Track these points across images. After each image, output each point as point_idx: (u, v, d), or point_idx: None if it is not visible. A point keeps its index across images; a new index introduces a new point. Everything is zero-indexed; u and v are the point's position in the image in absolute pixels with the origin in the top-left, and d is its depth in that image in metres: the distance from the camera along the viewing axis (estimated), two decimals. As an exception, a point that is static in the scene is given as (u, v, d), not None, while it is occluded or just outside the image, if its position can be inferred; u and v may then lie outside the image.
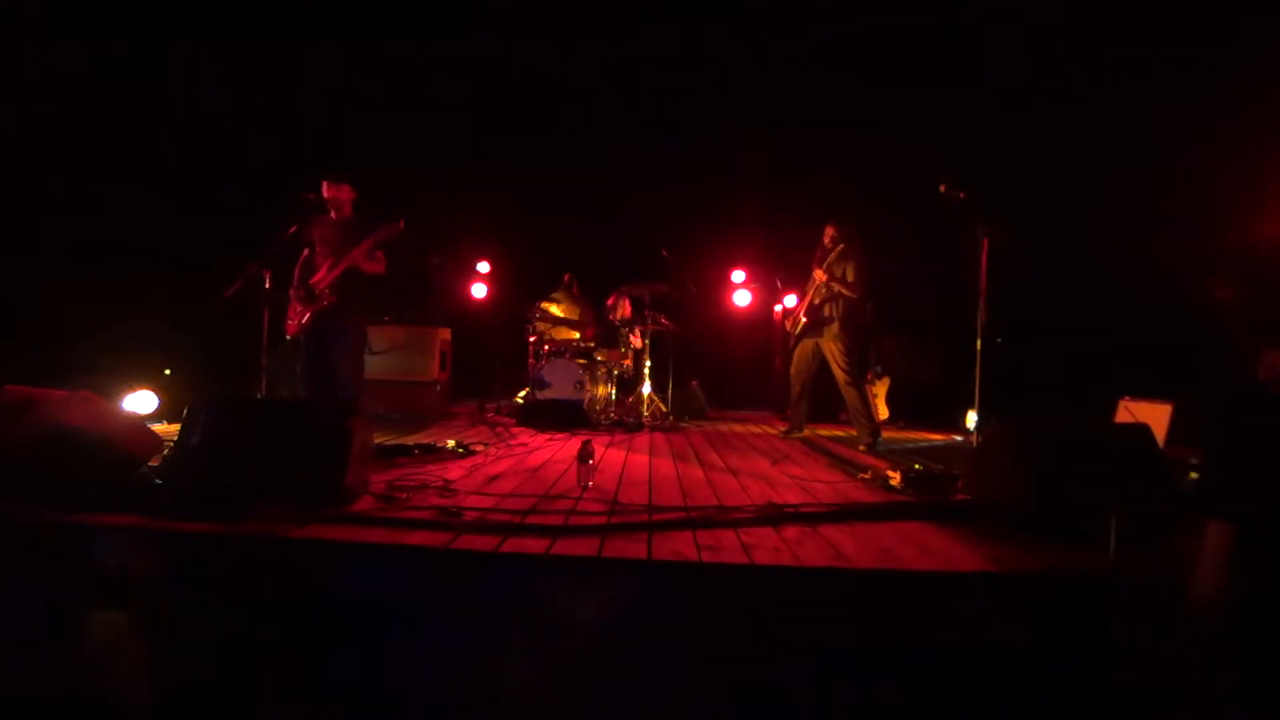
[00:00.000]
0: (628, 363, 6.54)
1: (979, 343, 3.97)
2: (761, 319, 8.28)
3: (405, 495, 2.97)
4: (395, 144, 7.02)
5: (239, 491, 2.65)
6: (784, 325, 5.98)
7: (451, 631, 2.21)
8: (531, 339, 6.74)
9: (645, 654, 2.16)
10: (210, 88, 6.20)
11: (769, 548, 2.39)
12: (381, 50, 6.98)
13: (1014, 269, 4.10)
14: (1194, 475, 3.76)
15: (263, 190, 4.96)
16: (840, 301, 5.12)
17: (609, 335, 6.60)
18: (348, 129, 6.89)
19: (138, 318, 5.66)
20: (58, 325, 5.58)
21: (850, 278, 5.05)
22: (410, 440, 4.71)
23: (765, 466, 4.12)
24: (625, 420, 6.15)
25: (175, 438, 3.00)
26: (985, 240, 3.95)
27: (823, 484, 3.59)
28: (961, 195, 4.00)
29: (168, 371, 5.70)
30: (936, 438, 5.86)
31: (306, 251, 4.44)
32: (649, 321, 6.45)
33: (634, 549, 2.33)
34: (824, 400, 5.85)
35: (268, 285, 4.10)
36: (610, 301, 6.72)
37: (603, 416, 6.06)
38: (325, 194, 4.36)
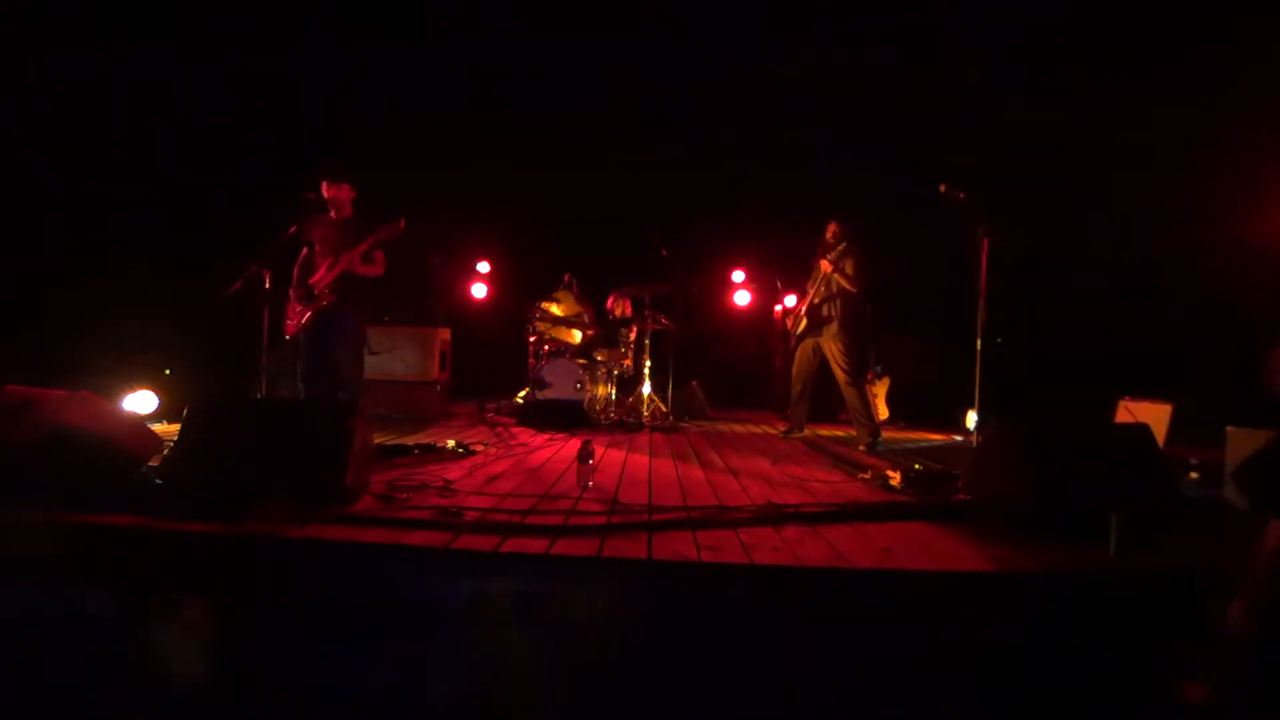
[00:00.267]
0: (628, 363, 6.54)
1: (979, 343, 3.96)
2: (761, 319, 8.28)
3: (405, 495, 2.97)
4: (395, 144, 7.03)
5: (239, 491, 2.64)
6: (784, 325, 5.98)
7: (451, 632, 2.21)
8: (531, 339, 6.74)
9: (645, 654, 2.16)
10: (210, 87, 6.20)
11: (769, 548, 2.39)
12: (382, 49, 6.97)
13: (1014, 269, 4.10)
14: (1194, 475, 3.76)
15: (263, 190, 4.96)
16: (840, 301, 5.12)
17: (609, 335, 6.60)
18: (348, 128, 6.89)
19: (138, 318, 5.66)
20: (58, 325, 5.58)
21: (850, 272, 5.06)
22: (410, 440, 4.71)
23: (765, 466, 4.12)
24: (625, 420, 6.15)
25: (175, 438, 3.00)
26: (985, 240, 3.95)
27: (823, 484, 3.59)
28: (961, 195, 4.00)
29: (168, 371, 5.70)
30: (936, 438, 5.86)
31: (306, 250, 4.44)
32: (649, 321, 6.45)
33: (634, 549, 2.33)
34: (824, 400, 5.85)
35: (268, 285, 4.10)
36: (610, 301, 6.72)
37: (603, 416, 6.06)
38: (325, 194, 4.35)
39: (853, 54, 6.94)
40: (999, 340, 4.07)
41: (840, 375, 5.13)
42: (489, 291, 8.68)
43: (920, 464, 4.11)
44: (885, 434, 5.46)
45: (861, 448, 4.95)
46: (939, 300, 6.45)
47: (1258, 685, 1.80)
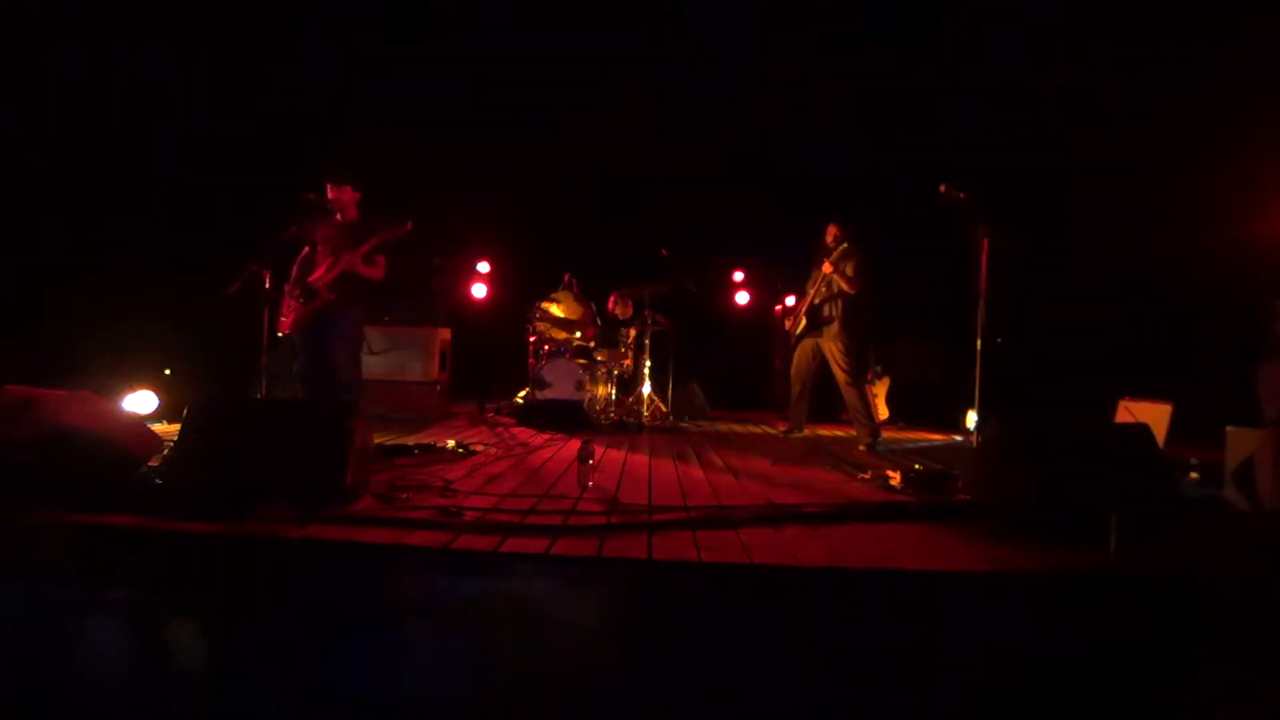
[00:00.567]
0: (628, 363, 6.54)
1: (979, 343, 3.97)
2: (761, 319, 8.28)
3: (405, 495, 2.97)
4: (396, 143, 7.02)
5: (239, 491, 2.64)
6: (784, 325, 5.98)
7: (451, 632, 2.21)
8: (531, 339, 6.74)
9: (645, 654, 2.16)
10: (210, 87, 6.20)
11: (769, 548, 2.39)
12: (382, 49, 6.97)
13: (1014, 269, 4.10)
14: (1194, 475, 3.76)
15: (263, 190, 4.96)
16: (840, 301, 5.12)
17: (609, 335, 6.60)
18: (348, 128, 6.89)
19: (138, 318, 5.65)
20: (58, 325, 5.58)
21: (850, 273, 5.06)
22: (410, 440, 4.71)
23: (765, 466, 4.12)
24: (625, 420, 6.15)
25: (175, 438, 3.00)
26: (985, 240, 3.95)
27: (823, 484, 3.59)
28: (961, 195, 4.00)
29: (168, 371, 5.70)
30: (936, 438, 5.86)
31: (306, 249, 4.43)
32: (649, 321, 6.45)
33: (634, 549, 2.33)
34: (824, 400, 5.85)
35: (268, 285, 4.10)
36: (610, 302, 6.72)
37: (603, 416, 6.06)
38: (329, 195, 4.34)
39: (852, 53, 6.94)
40: (999, 340, 4.07)
41: (840, 375, 5.13)
42: (489, 291, 8.67)
43: (920, 464, 4.11)
44: (885, 434, 5.46)
45: (861, 448, 4.95)
46: (939, 300, 6.46)
47: None
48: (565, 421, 5.68)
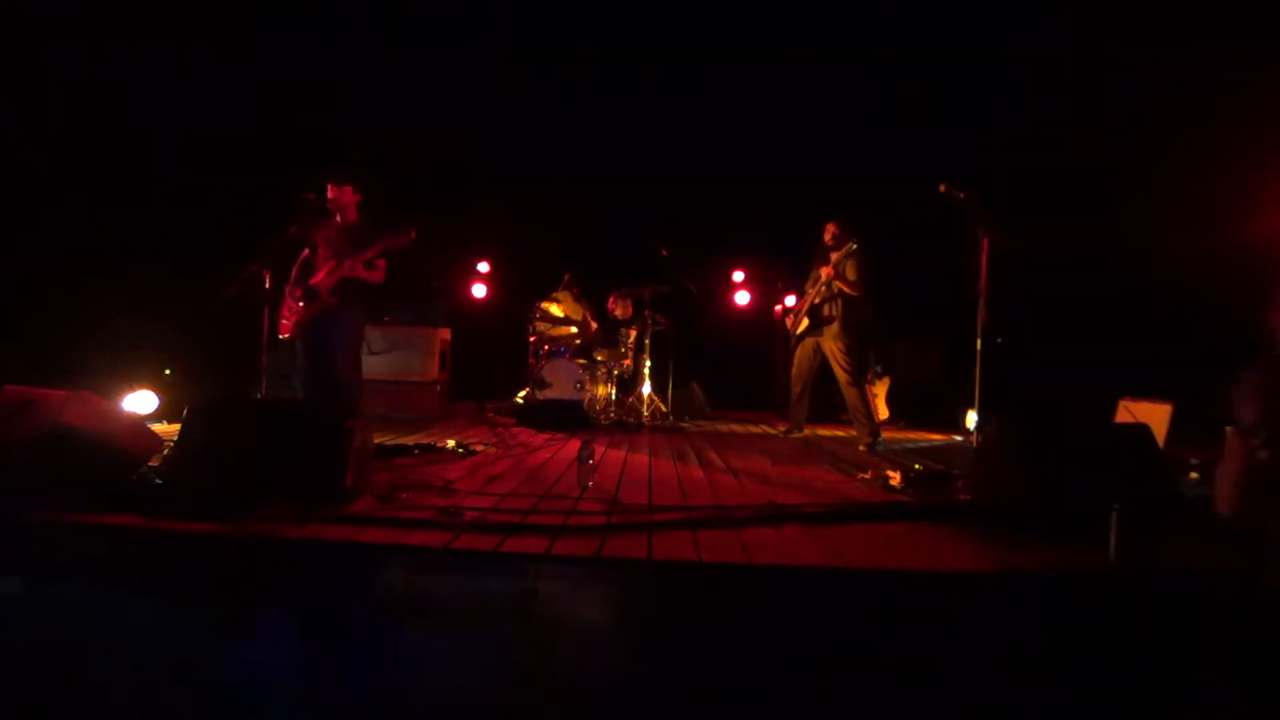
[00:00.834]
0: (628, 363, 6.54)
1: (979, 343, 3.96)
2: (761, 319, 8.28)
3: (405, 495, 2.97)
4: (396, 143, 7.02)
5: (239, 491, 2.64)
6: (784, 325, 5.98)
7: (451, 631, 2.21)
8: (531, 339, 6.74)
9: (645, 654, 2.16)
10: (211, 87, 6.20)
11: (769, 548, 2.39)
12: (383, 49, 6.97)
13: (1014, 269, 4.10)
14: (1194, 475, 3.76)
15: (263, 190, 4.96)
16: (841, 301, 5.12)
17: (609, 335, 6.60)
18: (349, 128, 6.89)
19: (138, 318, 5.66)
20: (58, 325, 5.58)
21: (851, 276, 5.06)
22: (410, 440, 4.71)
23: (765, 466, 4.12)
24: (625, 420, 6.15)
25: (175, 438, 3.00)
26: (985, 240, 3.95)
27: (823, 484, 3.59)
28: (961, 195, 4.00)
29: (168, 371, 5.70)
30: (936, 438, 5.86)
31: (307, 251, 4.42)
32: (649, 321, 6.45)
33: (634, 549, 2.33)
34: (824, 400, 5.85)
35: (268, 285, 4.09)
36: (610, 302, 6.72)
37: (603, 416, 6.06)
38: (329, 195, 4.33)
39: (852, 53, 6.94)
40: (999, 340, 4.06)
41: (841, 375, 5.13)
42: (489, 291, 8.68)
43: (920, 464, 4.11)
44: (885, 434, 5.47)
45: (861, 448, 4.95)
46: (939, 300, 6.45)
47: None
48: (565, 421, 5.69)
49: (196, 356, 5.85)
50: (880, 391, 6.71)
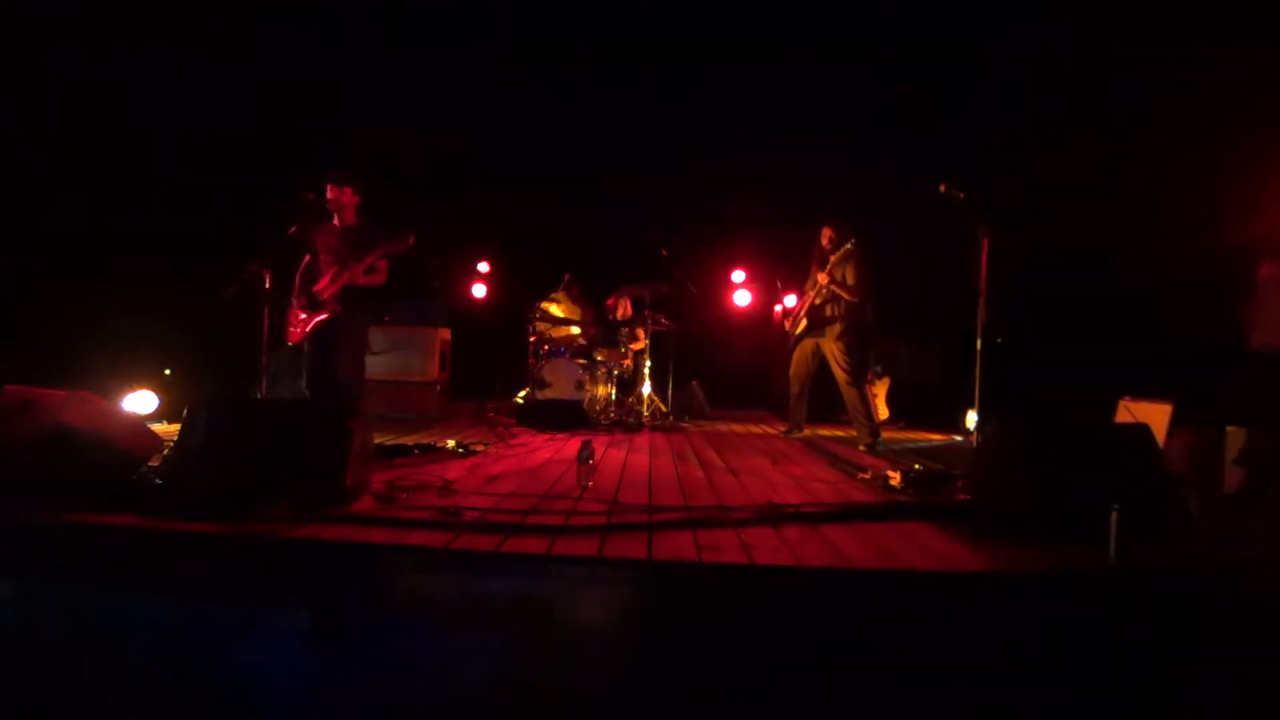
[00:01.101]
0: (628, 363, 6.54)
1: (979, 343, 3.96)
2: (761, 319, 8.28)
3: (405, 495, 2.97)
4: (396, 143, 7.02)
5: (239, 491, 2.65)
6: (784, 325, 5.98)
7: (451, 632, 2.21)
8: (531, 339, 6.74)
9: (646, 654, 2.16)
10: (211, 87, 6.20)
11: (769, 548, 2.39)
12: (383, 49, 6.97)
13: (1014, 269, 4.10)
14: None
15: (263, 190, 4.96)
16: (841, 302, 5.12)
17: (609, 335, 6.60)
18: (349, 128, 6.89)
19: (138, 318, 5.65)
20: (58, 325, 5.57)
21: (850, 280, 5.05)
22: (410, 440, 4.71)
23: (765, 466, 4.12)
24: (625, 420, 6.15)
25: (175, 438, 3.00)
26: (985, 240, 3.95)
27: (823, 484, 3.59)
28: (961, 195, 4.00)
29: (168, 371, 5.70)
30: (936, 438, 5.86)
31: (308, 258, 4.42)
32: (649, 321, 6.45)
33: (634, 549, 2.33)
34: (824, 400, 5.85)
35: (268, 285, 4.09)
36: (610, 301, 6.72)
37: (603, 416, 6.06)
38: (329, 195, 4.33)
39: (852, 53, 6.94)
40: (999, 340, 4.06)
41: (841, 376, 5.13)
42: (489, 291, 8.68)
43: (920, 464, 4.11)
44: (885, 434, 5.47)
45: (861, 448, 4.95)
46: (939, 300, 6.45)
47: None
48: (565, 421, 5.69)
49: (196, 356, 5.85)
50: (880, 391, 6.71)
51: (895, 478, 3.45)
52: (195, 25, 6.05)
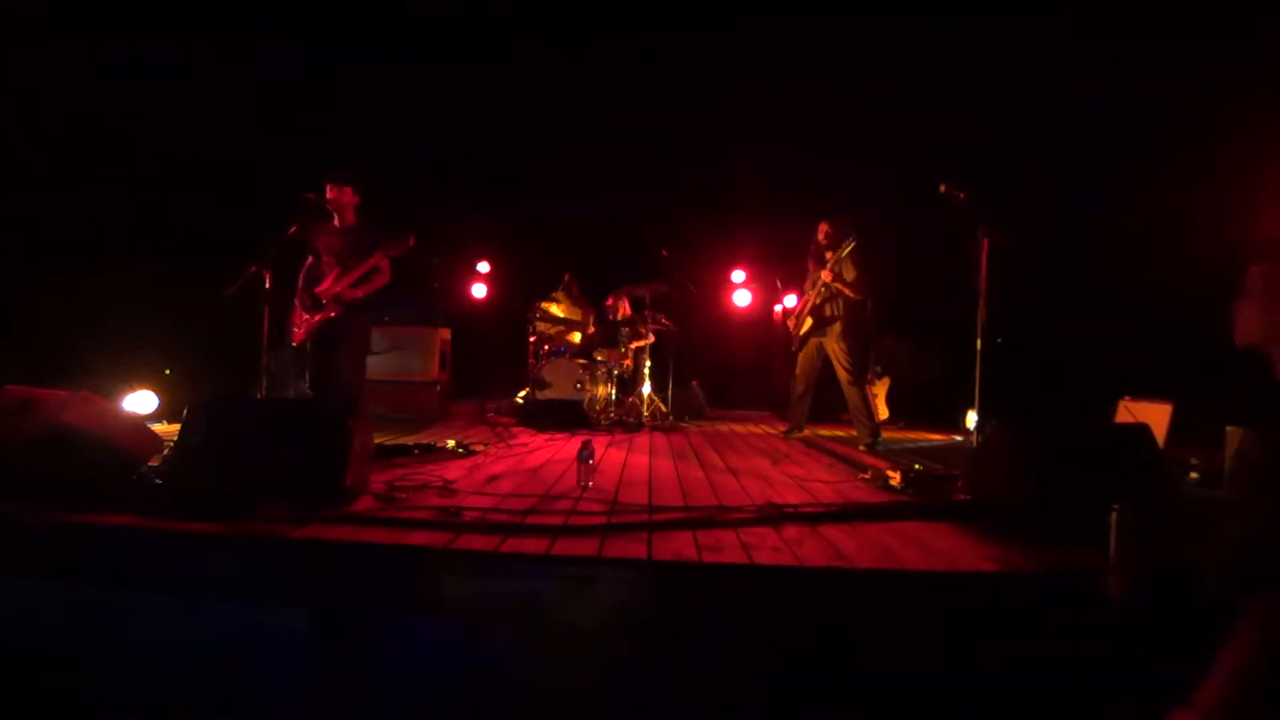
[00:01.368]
0: (628, 363, 6.54)
1: (979, 343, 3.96)
2: (761, 319, 8.28)
3: (405, 495, 2.97)
4: (396, 143, 7.02)
5: (239, 491, 2.65)
6: (784, 325, 5.98)
7: (451, 632, 2.21)
8: (531, 339, 6.74)
9: (645, 653, 2.16)
10: (212, 88, 6.20)
11: (769, 548, 2.39)
12: (383, 49, 6.98)
13: (1014, 269, 4.10)
14: (1194, 475, 3.76)
15: (263, 190, 4.96)
16: (842, 301, 5.12)
17: (609, 335, 6.60)
18: (349, 128, 6.89)
19: (138, 318, 5.65)
20: (58, 325, 5.57)
21: (850, 278, 5.05)
22: (410, 440, 4.71)
23: (765, 466, 4.12)
24: (625, 420, 6.15)
25: (175, 438, 3.00)
26: (985, 240, 3.95)
27: (823, 484, 3.59)
28: (961, 195, 4.00)
29: (168, 371, 5.70)
30: (936, 438, 5.86)
31: (311, 259, 4.42)
32: (649, 321, 6.45)
33: (634, 549, 2.33)
34: (825, 400, 5.85)
35: (268, 285, 4.10)
36: (610, 301, 6.72)
37: (603, 416, 6.06)
38: (328, 195, 4.33)
39: (852, 53, 6.94)
40: (999, 340, 4.06)
41: (843, 375, 5.12)
42: (489, 291, 8.68)
43: (920, 464, 4.11)
44: (885, 434, 5.46)
45: (861, 448, 4.95)
46: (939, 300, 6.45)
47: None
48: (565, 421, 5.69)
49: (196, 356, 5.85)
50: (880, 391, 6.71)
51: (895, 478, 3.46)
52: (195, 25, 6.05)
